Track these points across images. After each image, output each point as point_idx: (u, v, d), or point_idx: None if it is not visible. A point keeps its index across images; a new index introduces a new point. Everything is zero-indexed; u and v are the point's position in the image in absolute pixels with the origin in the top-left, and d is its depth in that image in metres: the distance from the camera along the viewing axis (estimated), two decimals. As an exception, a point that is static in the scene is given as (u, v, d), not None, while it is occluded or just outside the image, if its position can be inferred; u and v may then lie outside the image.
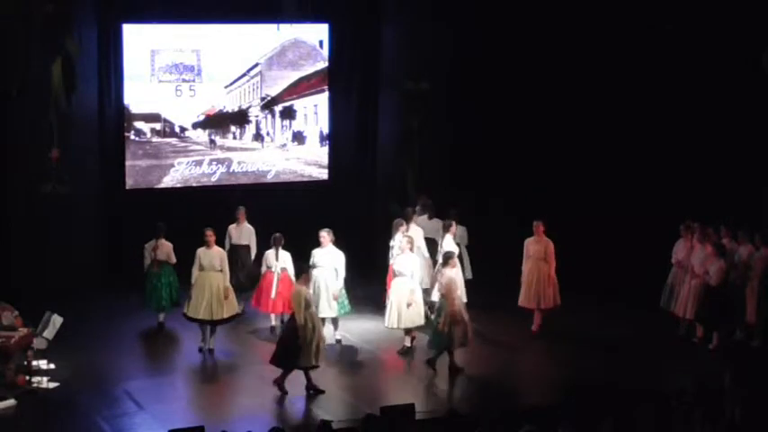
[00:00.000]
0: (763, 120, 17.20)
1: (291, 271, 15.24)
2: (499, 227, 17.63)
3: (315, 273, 14.89)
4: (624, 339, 15.59)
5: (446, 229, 15.89)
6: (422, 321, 14.89)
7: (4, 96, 16.49)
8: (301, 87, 18.89)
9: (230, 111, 18.54)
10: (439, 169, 18.68)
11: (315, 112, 19.05)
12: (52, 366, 14.01)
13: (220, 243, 15.34)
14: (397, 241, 15.52)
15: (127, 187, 18.01)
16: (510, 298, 15.96)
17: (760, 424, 11.28)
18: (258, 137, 18.77)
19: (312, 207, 18.21)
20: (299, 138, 19.02)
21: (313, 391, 13.46)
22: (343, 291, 15.13)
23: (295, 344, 13.24)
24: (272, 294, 15.48)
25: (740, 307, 15.35)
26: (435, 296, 15.12)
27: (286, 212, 17.45)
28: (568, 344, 15.46)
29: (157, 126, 18.12)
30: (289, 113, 18.91)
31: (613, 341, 15.52)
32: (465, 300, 15.06)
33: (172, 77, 18.05)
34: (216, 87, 18.35)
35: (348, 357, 14.83)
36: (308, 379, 13.48)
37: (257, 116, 18.73)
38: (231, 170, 18.59)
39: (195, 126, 18.36)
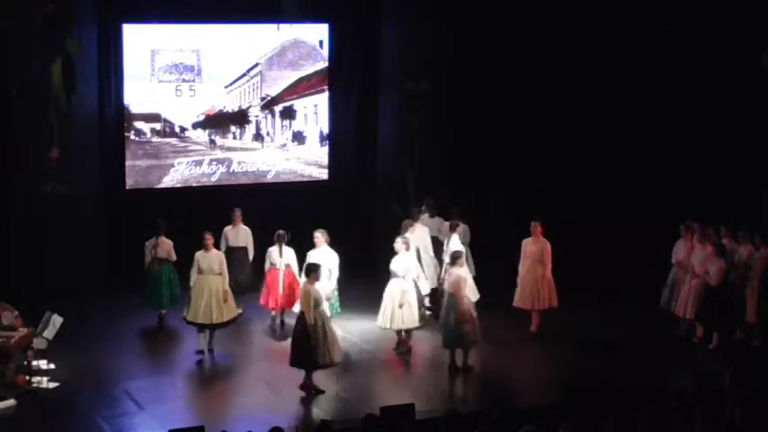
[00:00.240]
0: (763, 120, 17.21)
1: (295, 267, 15.32)
2: (499, 227, 17.62)
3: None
4: (624, 339, 15.59)
5: (453, 228, 15.92)
6: (415, 323, 14.87)
7: (4, 96, 16.50)
8: (301, 87, 18.89)
9: (230, 111, 18.55)
10: (439, 169, 18.67)
11: (315, 112, 19.05)
12: (52, 366, 14.02)
13: (216, 245, 15.30)
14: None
15: (127, 187, 18.01)
16: (510, 298, 15.94)
17: (760, 424, 11.29)
18: (258, 137, 18.77)
19: (312, 207, 18.20)
20: (299, 138, 19.02)
21: (313, 392, 13.46)
22: (336, 292, 15.10)
23: (307, 344, 13.26)
24: (280, 291, 15.53)
25: (740, 307, 15.36)
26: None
27: (286, 212, 17.45)
28: (568, 344, 15.45)
29: (157, 126, 18.12)
30: (289, 113, 18.91)
31: (613, 341, 15.52)
32: (475, 298, 15.06)
33: (172, 77, 18.05)
34: (216, 87, 18.35)
35: (348, 357, 14.81)
36: (310, 379, 13.49)
37: (257, 116, 18.73)
38: (231, 170, 18.59)
39: (195, 126, 18.36)
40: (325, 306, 14.89)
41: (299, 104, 18.92)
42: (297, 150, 19.01)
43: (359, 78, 19.33)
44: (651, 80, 18.26)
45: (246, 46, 18.45)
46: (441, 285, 15.54)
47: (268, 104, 18.76)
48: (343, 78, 19.21)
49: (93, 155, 17.62)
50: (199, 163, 18.40)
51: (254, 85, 18.61)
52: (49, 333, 14.14)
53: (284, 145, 18.96)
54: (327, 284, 14.85)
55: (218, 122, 18.51)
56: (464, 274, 14.54)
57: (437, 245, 16.44)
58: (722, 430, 11.06)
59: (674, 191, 17.83)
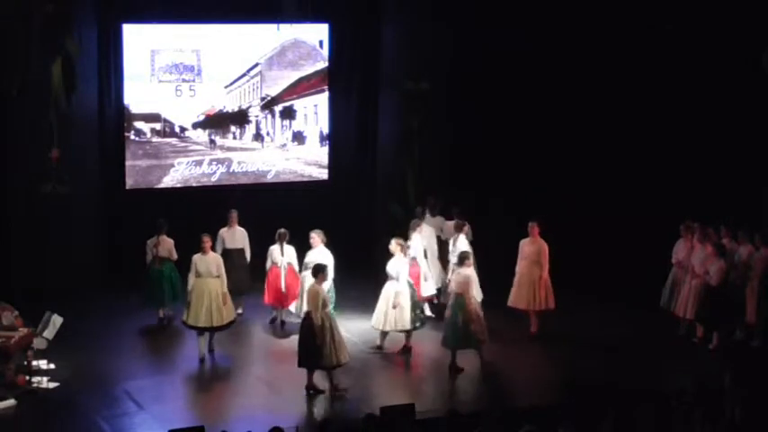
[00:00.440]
0: (763, 120, 17.21)
1: (296, 266, 15.41)
2: (499, 227, 17.62)
3: (304, 274, 15.07)
4: (624, 339, 15.59)
5: (459, 228, 15.94)
6: (406, 326, 14.86)
7: (4, 96, 16.49)
8: (301, 87, 18.89)
9: (230, 111, 18.55)
10: (439, 169, 18.68)
11: (315, 112, 19.05)
12: (52, 366, 14.02)
13: (213, 248, 15.27)
14: (414, 240, 15.84)
15: (127, 187, 18.01)
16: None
17: (760, 424, 11.29)
18: (258, 137, 18.77)
19: (312, 207, 18.20)
20: (299, 138, 19.02)
21: (313, 391, 13.46)
22: (331, 293, 15.05)
23: (314, 344, 13.27)
24: (282, 289, 15.55)
25: (740, 307, 15.36)
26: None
27: (286, 212, 17.44)
28: (568, 344, 15.45)
29: (157, 126, 18.12)
30: (289, 113, 18.91)
31: (613, 341, 15.52)
32: (480, 298, 15.07)
33: (172, 77, 18.05)
34: (216, 87, 18.35)
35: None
36: (310, 378, 13.51)
37: (257, 116, 18.73)
38: (231, 170, 18.59)
39: (195, 126, 18.36)
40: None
41: (299, 104, 18.92)
42: (297, 150, 19.02)
43: (359, 78, 19.33)
44: (651, 80, 18.26)
45: (246, 46, 18.45)
46: (447, 285, 15.62)
47: (268, 104, 18.76)
48: (343, 78, 19.21)
49: (93, 155, 17.62)
50: (199, 163, 18.40)
51: (254, 85, 18.61)
52: (49, 333, 14.15)
53: (284, 145, 18.96)
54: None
55: (218, 122, 18.50)
56: (472, 274, 14.54)
57: (439, 244, 16.48)
58: (722, 430, 11.06)
59: (674, 191, 17.83)
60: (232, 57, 18.34)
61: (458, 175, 18.60)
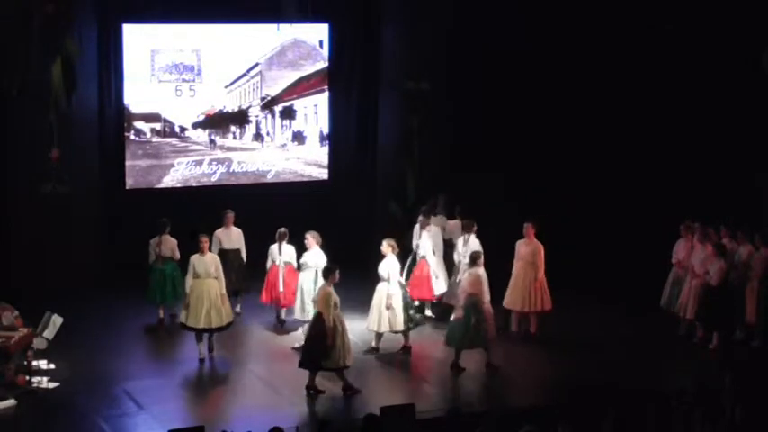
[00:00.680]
0: (763, 120, 17.22)
1: (296, 265, 15.37)
2: (499, 227, 17.61)
3: (300, 275, 15.09)
4: (624, 339, 15.59)
5: (468, 228, 15.96)
6: (399, 326, 14.85)
7: (4, 96, 16.49)
8: (301, 87, 18.88)
9: (230, 111, 18.54)
10: (439, 169, 18.67)
11: (315, 112, 19.04)
12: (52, 366, 14.02)
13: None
14: (423, 239, 16.02)
15: (127, 187, 18.01)
16: (509, 298, 15.98)
17: (760, 424, 11.29)
18: (258, 137, 18.77)
19: (312, 207, 18.21)
20: (299, 138, 19.02)
21: (313, 392, 13.46)
22: None
23: (323, 345, 13.27)
24: (280, 288, 15.56)
25: (740, 307, 15.36)
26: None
27: (286, 212, 17.42)
28: (568, 344, 15.46)
29: (157, 126, 18.12)
30: (289, 113, 18.91)
31: (613, 341, 15.52)
32: (487, 298, 15.08)
33: (172, 77, 18.05)
34: (216, 87, 18.35)
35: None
36: (313, 379, 13.51)
37: (257, 116, 18.73)
38: (231, 170, 18.59)
39: (195, 126, 18.36)
40: (299, 309, 15.04)
41: (299, 104, 18.92)
42: (297, 150, 19.01)
43: (359, 78, 19.32)
44: (651, 80, 18.27)
45: (246, 46, 18.45)
46: (452, 286, 15.72)
47: (268, 104, 18.76)
48: (343, 78, 19.20)
49: (93, 155, 17.62)
50: (199, 163, 18.40)
51: (254, 85, 18.60)
52: (49, 333, 14.15)
53: (284, 145, 18.96)
54: (312, 287, 14.85)
55: (218, 122, 18.50)
56: (484, 273, 14.54)
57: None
58: (722, 430, 11.08)
59: (674, 191, 17.84)
60: (232, 57, 18.34)
61: (458, 174, 18.58)
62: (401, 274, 15.99)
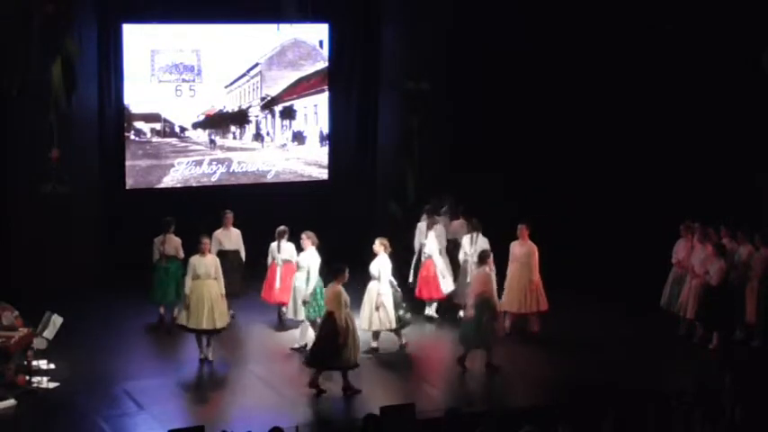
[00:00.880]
0: (763, 120, 17.21)
1: (295, 262, 15.36)
2: (499, 227, 17.61)
3: (296, 275, 15.13)
4: (624, 339, 15.59)
5: (476, 228, 15.96)
6: (391, 325, 14.84)
7: (4, 96, 16.49)
8: (301, 87, 18.89)
9: (230, 111, 18.55)
10: (439, 169, 18.67)
11: (315, 112, 19.05)
12: (52, 366, 14.02)
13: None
14: (430, 238, 16.09)
15: (127, 187, 18.01)
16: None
17: (760, 424, 11.29)
18: (258, 137, 18.77)
19: (312, 207, 18.21)
20: (299, 138, 19.02)
21: (316, 391, 13.45)
22: (314, 297, 14.89)
23: (335, 344, 13.27)
24: (277, 285, 15.56)
25: (740, 307, 15.36)
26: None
27: (286, 212, 17.40)
28: (568, 344, 15.45)
29: (157, 126, 18.12)
30: (289, 113, 18.91)
31: (613, 341, 15.52)
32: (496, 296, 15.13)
33: (172, 77, 18.05)
34: (216, 87, 18.35)
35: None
36: (315, 378, 13.51)
37: (257, 116, 18.73)
38: (231, 170, 18.59)
39: (195, 126, 18.36)
40: (291, 309, 15.06)
41: (299, 104, 18.92)
42: (297, 150, 19.02)
43: (359, 78, 19.32)
44: (651, 80, 18.26)
45: (246, 46, 18.45)
46: (457, 287, 15.77)
47: (268, 104, 18.76)
48: (343, 78, 19.21)
49: (93, 155, 17.62)
50: (199, 163, 18.40)
51: (254, 85, 18.61)
52: (49, 333, 14.15)
53: (284, 145, 18.96)
54: (305, 287, 14.86)
55: (218, 122, 18.50)
56: (492, 272, 14.54)
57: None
58: (722, 430, 11.07)
59: (674, 191, 17.83)
60: (232, 57, 18.34)
61: (458, 174, 18.59)
62: (411, 274, 16.08)
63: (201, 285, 14.40)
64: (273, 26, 18.51)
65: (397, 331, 15.04)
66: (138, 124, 18.00)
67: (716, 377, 12.30)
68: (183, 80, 18.11)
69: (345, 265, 13.75)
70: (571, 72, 18.61)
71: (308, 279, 14.84)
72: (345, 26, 19.10)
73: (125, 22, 17.55)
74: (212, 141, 18.49)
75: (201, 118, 18.38)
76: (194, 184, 18.36)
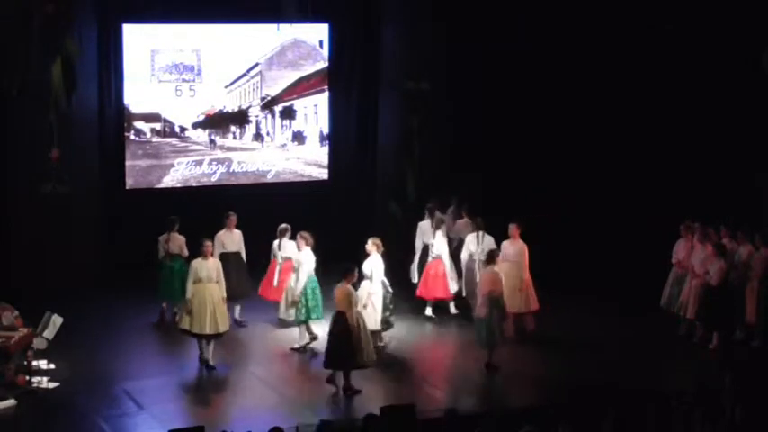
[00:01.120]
0: (763, 120, 17.21)
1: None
2: (499, 226, 17.60)
3: (291, 275, 15.14)
4: (624, 339, 15.59)
5: (480, 227, 15.97)
6: (375, 326, 14.71)
7: (4, 96, 16.49)
8: (301, 87, 18.89)
9: (230, 111, 18.55)
10: (439, 169, 18.68)
11: (315, 112, 19.05)
12: (52, 366, 14.02)
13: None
14: (438, 238, 16.14)
15: (127, 187, 18.02)
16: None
17: (760, 424, 11.29)
18: (258, 137, 18.78)
19: (312, 207, 18.21)
20: (299, 138, 19.03)
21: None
22: (305, 298, 14.85)
23: (349, 343, 13.28)
24: (275, 282, 15.58)
25: (740, 307, 15.36)
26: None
27: (286, 212, 17.39)
28: (568, 344, 15.45)
29: (157, 126, 18.13)
30: (289, 113, 18.92)
31: (613, 341, 15.52)
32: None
33: (172, 77, 18.05)
34: (216, 87, 18.35)
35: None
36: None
37: (257, 116, 18.74)
38: (231, 170, 18.60)
39: (195, 126, 18.37)
40: (283, 309, 15.06)
41: (298, 104, 18.93)
42: (297, 150, 19.02)
43: (359, 78, 19.33)
44: (651, 80, 18.26)
45: (246, 46, 18.45)
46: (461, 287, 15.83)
47: (268, 104, 18.76)
48: (343, 78, 19.21)
49: (93, 155, 17.63)
50: (199, 163, 18.41)
51: (254, 85, 18.61)
52: (49, 333, 14.15)
53: (284, 145, 18.96)
54: (297, 287, 14.86)
55: (218, 122, 18.51)
56: (500, 271, 14.55)
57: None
58: (722, 430, 11.07)
59: (674, 191, 17.83)
60: (232, 57, 18.35)
61: (458, 174, 18.59)
62: (415, 274, 16.07)
63: (203, 289, 14.32)
64: (273, 26, 18.52)
65: (378, 333, 14.99)
66: (138, 124, 18.01)
67: (716, 377, 12.30)
68: (183, 80, 18.11)
69: (355, 265, 13.78)
70: (571, 72, 18.61)
71: (296, 280, 14.84)
72: (345, 26, 19.11)
73: (125, 22, 17.55)
74: (212, 141, 18.50)
75: (201, 118, 18.38)
76: (194, 184, 18.37)
